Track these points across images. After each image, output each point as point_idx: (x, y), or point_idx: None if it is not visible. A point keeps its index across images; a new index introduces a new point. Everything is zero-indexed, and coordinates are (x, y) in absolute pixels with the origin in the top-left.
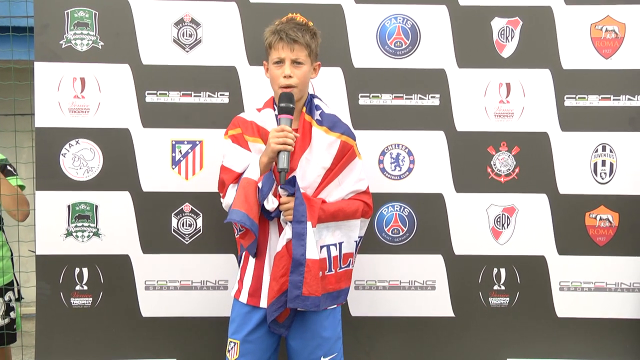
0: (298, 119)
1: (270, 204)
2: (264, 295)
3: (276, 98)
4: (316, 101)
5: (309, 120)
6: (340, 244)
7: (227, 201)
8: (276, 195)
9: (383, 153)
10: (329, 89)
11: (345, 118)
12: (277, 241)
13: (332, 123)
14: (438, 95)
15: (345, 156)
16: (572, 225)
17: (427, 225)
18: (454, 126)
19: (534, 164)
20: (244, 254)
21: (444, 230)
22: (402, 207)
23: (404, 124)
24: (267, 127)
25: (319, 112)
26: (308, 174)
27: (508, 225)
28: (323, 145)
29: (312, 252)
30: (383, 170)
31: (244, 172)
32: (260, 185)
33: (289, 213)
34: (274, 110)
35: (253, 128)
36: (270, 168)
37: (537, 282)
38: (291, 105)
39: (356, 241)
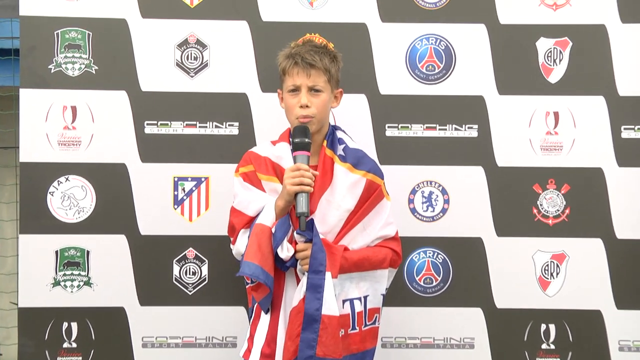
0: (318, 154)
1: (285, 251)
2: (278, 356)
3: (292, 131)
4: (339, 134)
5: (331, 155)
6: (365, 297)
7: (237, 248)
8: (292, 241)
9: (413, 191)
10: (352, 118)
11: (371, 152)
12: (294, 294)
13: (356, 159)
14: (476, 126)
15: (371, 197)
16: (632, 275)
17: (464, 274)
18: (495, 161)
19: (586, 204)
20: (255, 307)
21: (483, 279)
22: (436, 253)
23: (437, 159)
24: (283, 164)
25: (342, 146)
26: (329, 217)
27: (558, 274)
28: (346, 185)
29: (331, 307)
30: (413, 210)
31: (257, 216)
32: (274, 230)
33: (306, 262)
34: (290, 144)
35: (267, 165)
36: (287, 212)
37: (593, 340)
38: (306, 140)
39: (383, 294)
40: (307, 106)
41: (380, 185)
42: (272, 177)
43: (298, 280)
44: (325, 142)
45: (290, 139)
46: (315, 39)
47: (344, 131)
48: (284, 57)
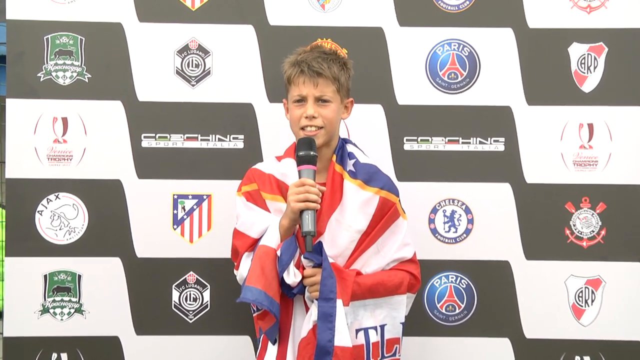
0: (327, 170)
1: (292, 276)
2: None
3: (297, 144)
4: (349, 147)
5: (340, 172)
6: (382, 327)
7: (241, 273)
8: (299, 266)
9: (434, 210)
10: (368, 131)
11: (387, 167)
12: (303, 324)
13: (368, 175)
14: (502, 139)
15: (385, 216)
16: None
17: (490, 301)
18: (523, 177)
19: (624, 224)
20: (262, 337)
21: (511, 307)
22: (459, 278)
23: (460, 175)
24: (289, 182)
25: (352, 161)
26: (339, 239)
27: (593, 301)
28: (357, 203)
29: (343, 338)
30: (434, 231)
31: (261, 238)
32: (279, 253)
33: (315, 289)
34: (296, 159)
35: (272, 183)
36: (293, 232)
37: None
38: (312, 153)
39: (402, 323)
40: (313, 117)
41: (395, 202)
42: (277, 196)
43: (307, 309)
44: (334, 156)
45: (296, 154)
46: (326, 45)
47: (354, 144)
48: (290, 64)
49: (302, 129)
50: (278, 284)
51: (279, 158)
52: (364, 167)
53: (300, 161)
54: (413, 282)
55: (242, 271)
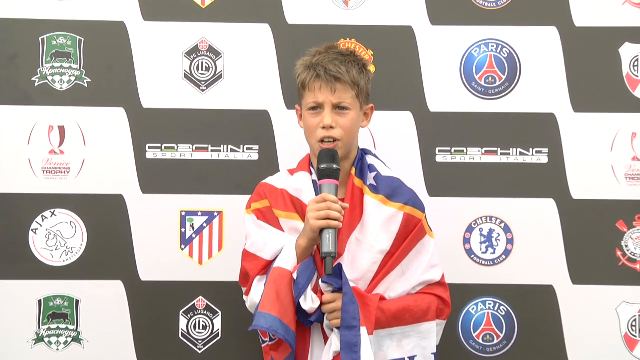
0: (345, 184)
1: (309, 302)
2: None
3: (313, 157)
4: (369, 159)
5: (360, 186)
6: (411, 359)
7: (252, 299)
8: (317, 291)
9: (470, 229)
10: (396, 141)
11: (417, 181)
12: (321, 355)
13: (391, 189)
14: (546, 150)
15: (411, 235)
16: None
17: (533, 330)
18: (569, 192)
19: None
20: None
21: (556, 336)
22: (497, 304)
23: (498, 189)
24: (304, 198)
25: (373, 174)
26: (360, 260)
27: None
28: (379, 221)
29: None
30: (470, 252)
31: (274, 259)
32: (295, 276)
33: (335, 316)
34: (311, 173)
35: (285, 199)
36: (311, 253)
37: None
38: (335, 167)
39: (434, 354)
40: (331, 127)
41: (421, 219)
42: (292, 213)
43: (325, 338)
44: (353, 169)
45: (311, 167)
46: (350, 45)
47: (375, 155)
48: (304, 67)
49: (321, 141)
50: (294, 311)
51: (291, 172)
52: (386, 180)
53: (321, 175)
54: (442, 307)
55: (254, 297)
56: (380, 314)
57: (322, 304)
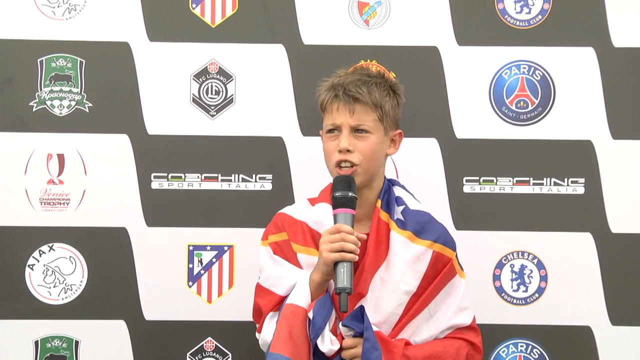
0: (370, 218)
1: (327, 344)
2: None
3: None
4: (397, 191)
5: (386, 220)
6: None
7: (264, 337)
8: (336, 333)
9: (500, 265)
10: (420, 170)
11: (443, 213)
12: None
13: (420, 225)
14: (582, 180)
15: (440, 275)
16: None
17: None
18: (607, 226)
19: None
20: None
21: None
22: (530, 347)
23: (531, 223)
24: (323, 231)
25: (401, 208)
26: (384, 302)
27: None
28: (406, 260)
29: None
30: (500, 290)
31: (288, 295)
32: (311, 315)
33: None
34: (331, 201)
35: (304, 232)
36: (326, 289)
37: None
38: (350, 194)
39: None
40: (348, 150)
41: (451, 258)
42: (311, 248)
43: None
44: (379, 202)
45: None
46: (372, 67)
47: (403, 187)
48: (325, 88)
49: (338, 166)
50: (309, 352)
51: (312, 201)
52: (414, 215)
53: (336, 204)
54: (472, 353)
55: (266, 335)
56: None
57: (342, 348)
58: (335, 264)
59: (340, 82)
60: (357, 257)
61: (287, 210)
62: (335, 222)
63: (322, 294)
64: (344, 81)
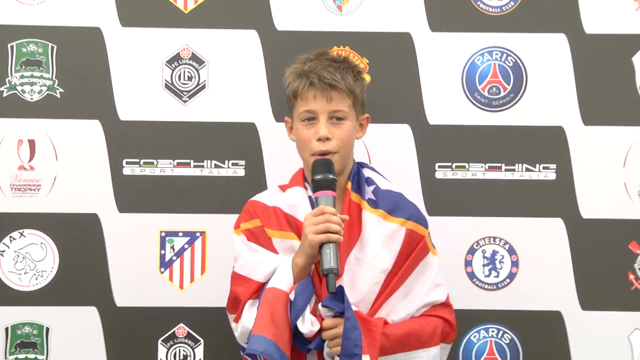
0: (341, 200)
1: (308, 325)
2: None
3: (307, 171)
4: (366, 172)
5: (357, 201)
6: None
7: (244, 325)
8: (316, 315)
9: (472, 251)
10: (392, 156)
11: (416, 199)
12: None
13: (392, 204)
14: (554, 166)
15: (413, 252)
16: None
17: (539, 359)
18: (578, 211)
19: None
20: None
21: None
22: (501, 332)
23: (502, 208)
24: (299, 215)
25: (371, 188)
26: (360, 280)
27: None
28: (380, 238)
29: None
30: (472, 276)
31: (267, 282)
32: (292, 297)
33: (336, 343)
34: (306, 188)
35: (278, 217)
36: (309, 272)
37: None
38: (330, 177)
39: None
40: (327, 138)
41: (424, 235)
42: (287, 232)
43: None
44: (349, 183)
45: (305, 182)
46: (344, 53)
47: (372, 168)
48: (295, 75)
49: (313, 154)
50: (290, 335)
51: (283, 188)
52: (386, 194)
53: (316, 187)
54: (447, 330)
55: (246, 322)
56: (385, 339)
57: (322, 329)
58: (321, 245)
59: (311, 68)
60: (342, 238)
61: (258, 197)
62: (317, 205)
63: (304, 277)
64: (315, 68)
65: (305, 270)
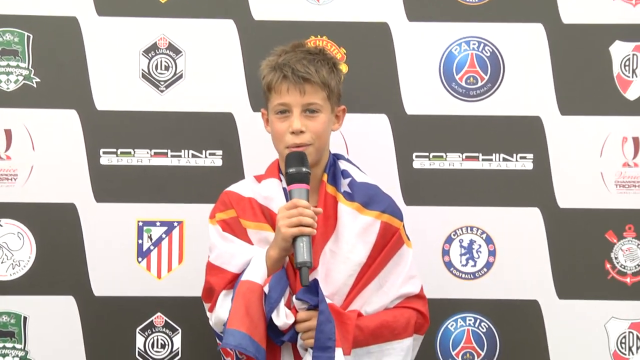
0: (317, 192)
1: (282, 318)
2: None
3: (282, 163)
4: (342, 164)
5: (333, 193)
6: None
7: (218, 315)
8: (290, 307)
9: (449, 240)
10: (370, 146)
11: (393, 189)
12: None
13: (367, 196)
14: (531, 156)
15: (388, 244)
16: None
17: (516, 348)
18: (555, 201)
19: None
20: None
21: (540, 354)
22: (478, 321)
23: (480, 198)
24: (274, 207)
25: (347, 180)
26: (335, 273)
27: (638, 348)
28: (355, 231)
29: None
30: (449, 265)
31: (242, 273)
32: (266, 290)
33: (310, 335)
34: (281, 180)
35: (253, 208)
36: (283, 265)
37: None
38: (304, 170)
39: None
40: (301, 131)
41: (399, 228)
42: (262, 223)
43: (297, 358)
44: (324, 176)
45: (280, 174)
46: (321, 43)
47: (348, 160)
48: (269, 68)
49: (288, 147)
50: (265, 327)
51: (258, 178)
52: (361, 187)
53: (290, 179)
54: (421, 322)
55: (220, 313)
56: (358, 332)
57: (296, 322)
58: (294, 239)
59: (286, 61)
60: (315, 231)
61: (233, 187)
62: (290, 198)
63: (277, 270)
64: (289, 60)
65: (279, 263)
